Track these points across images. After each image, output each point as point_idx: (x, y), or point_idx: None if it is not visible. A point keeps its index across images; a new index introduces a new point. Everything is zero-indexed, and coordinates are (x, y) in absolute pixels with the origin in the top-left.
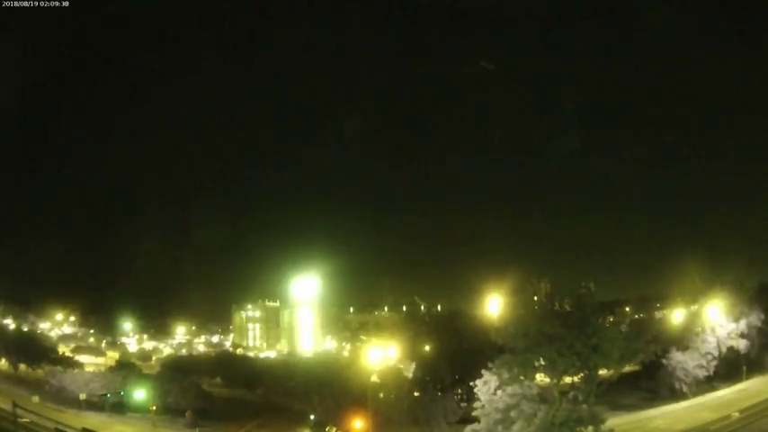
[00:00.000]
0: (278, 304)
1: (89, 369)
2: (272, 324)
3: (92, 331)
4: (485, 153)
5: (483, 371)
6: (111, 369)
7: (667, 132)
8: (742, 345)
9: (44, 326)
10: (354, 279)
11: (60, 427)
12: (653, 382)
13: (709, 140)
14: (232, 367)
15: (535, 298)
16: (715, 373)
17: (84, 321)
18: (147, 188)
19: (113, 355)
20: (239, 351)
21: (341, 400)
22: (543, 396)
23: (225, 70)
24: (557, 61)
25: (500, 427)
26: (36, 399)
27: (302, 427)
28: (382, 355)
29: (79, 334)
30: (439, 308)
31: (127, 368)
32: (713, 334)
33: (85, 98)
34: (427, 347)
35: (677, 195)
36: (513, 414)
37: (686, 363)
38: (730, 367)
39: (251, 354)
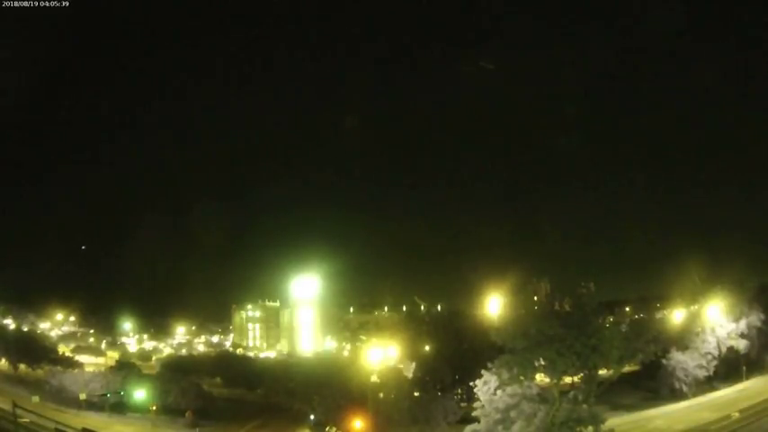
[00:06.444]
0: (278, 304)
1: (89, 369)
2: (272, 324)
3: (92, 331)
4: (485, 153)
5: (483, 371)
6: (111, 369)
7: (668, 133)
8: (742, 345)
9: (44, 326)
10: (354, 279)
11: (60, 427)
12: (653, 382)
13: (709, 140)
14: (232, 367)
15: (535, 298)
16: (715, 373)
17: (84, 321)
18: (148, 189)
19: (113, 355)
20: (239, 351)
21: (341, 400)
22: (543, 396)
23: (226, 72)
24: (557, 62)
25: (500, 427)
26: (36, 399)
27: (302, 427)
28: (382, 355)
29: (79, 334)
30: (439, 308)
31: (127, 368)
32: (713, 334)
33: (88, 100)
34: (427, 347)
35: (677, 195)
36: (513, 414)
37: (686, 363)
38: (730, 367)
39: (251, 354)
